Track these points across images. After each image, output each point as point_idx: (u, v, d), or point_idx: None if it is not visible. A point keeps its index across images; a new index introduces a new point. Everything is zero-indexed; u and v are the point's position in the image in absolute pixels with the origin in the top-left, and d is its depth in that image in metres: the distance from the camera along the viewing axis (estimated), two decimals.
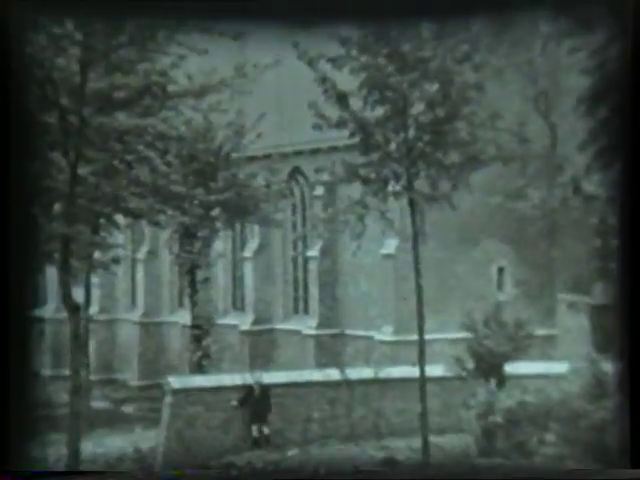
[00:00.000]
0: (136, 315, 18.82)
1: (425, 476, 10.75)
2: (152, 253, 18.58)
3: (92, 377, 13.55)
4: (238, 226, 17.21)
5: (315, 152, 15.77)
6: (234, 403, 12.62)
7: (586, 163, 10.87)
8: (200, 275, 15.58)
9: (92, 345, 15.22)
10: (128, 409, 14.76)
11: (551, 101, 12.01)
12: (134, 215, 14.09)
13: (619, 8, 9.87)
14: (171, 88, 12.98)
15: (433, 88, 12.89)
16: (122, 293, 19.24)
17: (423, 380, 12.04)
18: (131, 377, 17.54)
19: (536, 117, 12.32)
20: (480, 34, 11.86)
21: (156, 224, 14.42)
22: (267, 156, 16.28)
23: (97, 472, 12.05)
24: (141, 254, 18.82)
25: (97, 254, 14.38)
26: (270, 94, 15.10)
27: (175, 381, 13.21)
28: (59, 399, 12.11)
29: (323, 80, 13.22)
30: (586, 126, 10.74)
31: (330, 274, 16.54)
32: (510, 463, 10.45)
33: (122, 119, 12.72)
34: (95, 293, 16.63)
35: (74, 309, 12.59)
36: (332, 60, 13.24)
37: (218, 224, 15.40)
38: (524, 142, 12.18)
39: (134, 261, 18.67)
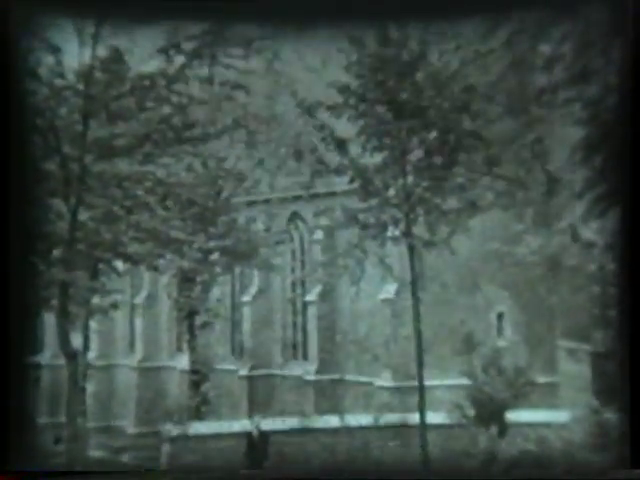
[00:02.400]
0: (134, 360, 18.86)
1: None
2: (151, 298, 18.69)
3: (89, 424, 13.57)
4: (237, 271, 17.39)
5: (314, 197, 16.02)
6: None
7: (583, 210, 11.06)
8: (199, 320, 15.69)
9: (89, 391, 15.24)
10: (125, 458, 14.73)
11: (547, 148, 12.29)
12: (133, 260, 14.27)
13: (615, 60, 10.14)
14: (171, 135, 13.31)
15: (431, 135, 13.22)
16: (120, 338, 19.32)
17: (423, 427, 12.07)
18: (128, 424, 17.54)
19: (533, 164, 12.59)
20: (477, 84, 12.17)
21: (155, 269, 14.58)
22: (266, 201, 16.53)
23: (97, 472, 12.10)
24: (140, 299, 18.92)
25: (95, 299, 14.50)
26: (270, 140, 15.40)
27: (173, 428, 13.21)
28: (55, 448, 12.09)
29: (322, 127, 13.59)
30: (582, 174, 10.96)
31: (329, 319, 16.64)
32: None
33: (122, 166, 13.01)
34: (93, 338, 16.71)
35: (71, 355, 12.66)
36: (331, 108, 13.63)
37: (217, 269, 15.56)
38: (522, 188, 12.42)
39: (133, 306, 18.79)
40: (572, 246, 11.74)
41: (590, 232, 11.39)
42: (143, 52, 11.91)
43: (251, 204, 16.08)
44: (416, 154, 13.27)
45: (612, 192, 10.50)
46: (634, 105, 9.96)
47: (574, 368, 11.76)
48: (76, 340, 13.56)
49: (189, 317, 15.57)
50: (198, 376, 15.93)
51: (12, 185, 11.16)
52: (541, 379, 12.59)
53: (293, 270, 17.14)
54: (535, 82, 11.68)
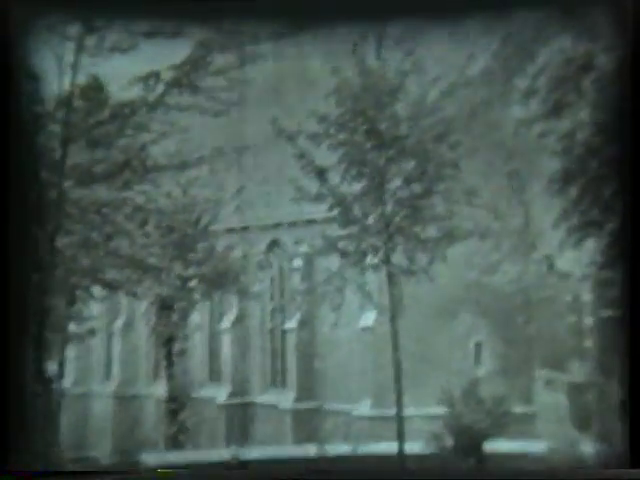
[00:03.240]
0: (111, 388, 18.73)
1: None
2: (128, 325, 18.64)
3: (64, 455, 13.43)
4: (216, 297, 17.39)
5: (294, 224, 16.11)
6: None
7: (559, 240, 11.24)
8: (177, 347, 15.66)
9: (64, 420, 15.11)
10: None
11: (524, 179, 12.51)
12: (111, 287, 14.26)
13: (588, 95, 10.38)
14: (151, 162, 13.38)
15: (410, 165, 13.39)
16: (97, 365, 19.20)
17: (402, 457, 12.06)
18: (104, 454, 17.36)
19: (510, 194, 12.80)
20: (455, 115, 12.40)
21: (133, 295, 14.59)
22: (245, 228, 16.60)
23: (97, 472, 12.08)
24: (117, 326, 18.87)
25: (72, 326, 14.45)
26: (250, 168, 15.53)
27: (149, 458, 13.11)
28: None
29: (302, 156, 13.72)
30: (558, 204, 11.15)
31: (308, 346, 16.66)
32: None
33: (101, 192, 13.04)
34: (69, 366, 16.60)
35: (47, 383, 12.57)
36: (311, 137, 13.78)
37: (196, 295, 15.58)
38: (499, 218, 12.61)
39: (110, 333, 18.72)
40: (548, 276, 11.91)
41: (566, 262, 11.58)
42: (123, 80, 12.02)
43: (230, 231, 16.14)
44: (395, 183, 13.44)
45: (587, 223, 10.70)
46: (608, 140, 10.19)
47: (552, 398, 11.86)
48: (52, 368, 13.48)
49: (167, 344, 15.54)
50: (176, 404, 15.86)
51: None
52: (519, 409, 12.68)
53: (272, 297, 17.18)
54: (511, 115, 11.92)
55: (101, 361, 18.60)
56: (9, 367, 10.41)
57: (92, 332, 14.39)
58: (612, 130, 10.09)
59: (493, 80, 12.25)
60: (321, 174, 13.73)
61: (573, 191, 10.79)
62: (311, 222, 14.88)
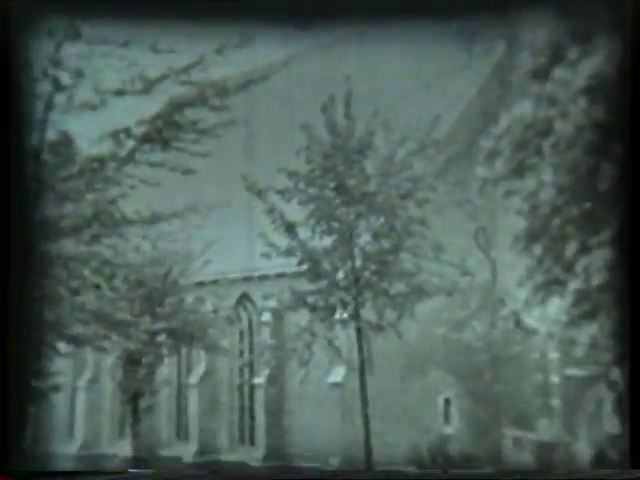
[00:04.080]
0: (74, 448, 18.36)
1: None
2: (94, 380, 18.40)
3: None
4: (184, 352, 17.29)
5: (263, 278, 16.20)
6: None
7: (525, 298, 11.44)
8: (143, 403, 15.47)
9: None
10: None
11: (490, 237, 12.77)
12: (77, 342, 14.13)
13: (550, 157, 10.73)
14: (120, 216, 13.42)
15: (379, 220, 13.64)
16: (59, 423, 18.81)
17: None
18: None
19: (477, 251, 13.05)
20: (422, 173, 12.71)
21: (100, 350, 14.46)
22: (215, 282, 16.64)
23: (97, 472, 12.08)
24: (82, 381, 18.60)
25: (36, 382, 14.22)
26: (220, 223, 15.65)
27: None
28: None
29: (272, 210, 13.90)
30: (524, 262, 11.39)
31: (277, 403, 16.56)
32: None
33: (69, 246, 13.02)
34: (30, 424, 16.25)
35: (4, 442, 12.31)
36: (280, 192, 13.99)
37: (164, 350, 15.49)
38: (466, 274, 12.83)
39: (74, 389, 18.44)
40: (516, 333, 12.08)
41: (532, 320, 11.76)
42: (93, 135, 12.15)
43: (200, 285, 16.17)
44: (364, 238, 13.66)
45: (551, 281, 10.92)
46: (571, 199, 10.48)
47: (520, 457, 11.89)
48: (12, 427, 13.20)
49: (133, 400, 15.35)
50: (141, 464, 15.59)
51: None
52: (488, 469, 12.68)
53: (241, 352, 17.12)
54: (477, 174, 12.24)
55: (64, 419, 18.27)
56: None
57: (56, 388, 14.17)
58: (573, 190, 10.41)
59: (459, 140, 12.61)
60: (291, 229, 13.93)
61: (537, 249, 11.05)
62: (281, 276, 14.97)
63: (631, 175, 9.56)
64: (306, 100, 13.88)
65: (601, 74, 9.26)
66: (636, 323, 10.07)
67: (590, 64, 9.47)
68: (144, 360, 15.40)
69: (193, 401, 16.97)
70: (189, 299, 15.53)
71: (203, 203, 14.30)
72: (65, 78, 10.93)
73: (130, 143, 12.76)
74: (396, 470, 11.79)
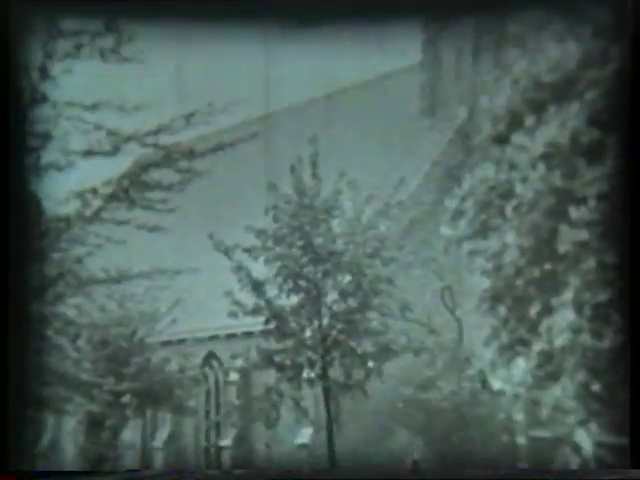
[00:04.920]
0: None
1: None
2: (53, 445, 17.96)
3: None
4: (149, 414, 17.03)
5: (230, 337, 16.15)
6: None
7: (491, 358, 11.55)
8: (106, 468, 15.11)
9: None
10: None
11: (456, 296, 12.95)
12: (38, 404, 13.87)
13: (512, 219, 10.98)
14: (86, 275, 13.37)
15: (346, 279, 13.76)
16: None
17: None
18: None
19: (443, 310, 13.20)
20: (388, 232, 12.91)
21: (62, 413, 14.19)
22: (182, 341, 16.54)
23: (97, 472, 11.95)
24: (41, 446, 18.16)
25: None
26: (187, 281, 15.67)
27: None
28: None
29: (239, 269, 13.96)
30: (488, 322, 11.53)
31: (244, 465, 16.32)
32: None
33: (32, 307, 12.89)
34: None
35: None
36: (248, 250, 14.08)
37: (128, 412, 15.26)
38: (433, 334, 12.95)
39: (32, 455, 17.97)
40: (481, 393, 12.15)
41: (498, 380, 11.84)
42: (59, 195, 12.18)
43: (166, 344, 16.05)
44: (331, 297, 13.74)
45: (515, 342, 11.06)
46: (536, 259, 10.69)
47: None
48: None
49: (96, 465, 15.00)
50: None
51: None
52: None
53: (207, 413, 16.91)
54: (442, 233, 12.46)
55: None
56: None
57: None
58: (535, 251, 10.65)
59: (424, 200, 12.88)
60: (258, 287, 13.98)
61: (502, 310, 11.21)
62: (248, 335, 14.94)
63: (589, 237, 9.83)
64: (274, 160, 14.10)
65: (556, 142, 9.61)
66: (602, 383, 10.20)
67: (546, 131, 9.83)
68: (108, 422, 15.14)
69: (158, 464, 16.65)
70: (155, 359, 15.39)
71: (170, 262, 14.32)
72: (33, 140, 11.01)
73: (96, 202, 12.84)
74: None
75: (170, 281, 14.22)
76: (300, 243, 13.69)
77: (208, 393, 16.77)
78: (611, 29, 8.90)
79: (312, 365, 13.49)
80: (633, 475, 9.52)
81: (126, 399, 14.99)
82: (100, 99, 11.32)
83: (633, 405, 9.59)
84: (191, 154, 12.72)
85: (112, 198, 12.77)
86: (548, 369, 10.18)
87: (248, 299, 13.65)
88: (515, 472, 10.53)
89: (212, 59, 12.88)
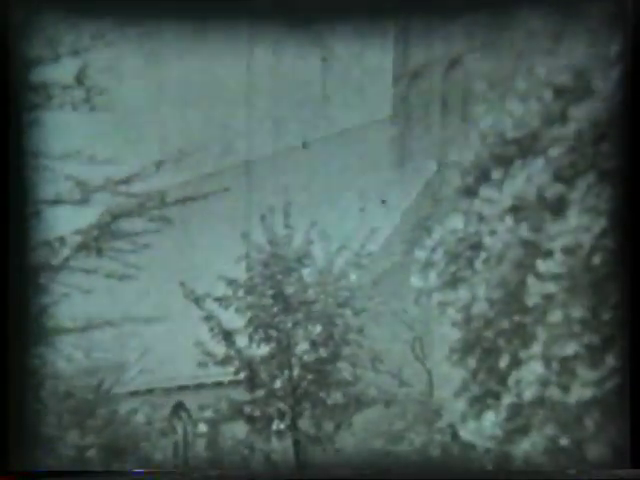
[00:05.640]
0: None
1: None
2: None
3: None
4: (115, 468, 16.66)
5: (200, 387, 15.98)
6: None
7: (461, 410, 11.52)
8: None
9: None
10: None
11: (426, 347, 13.01)
12: None
13: (482, 271, 11.08)
14: (50, 325, 13.20)
15: (316, 329, 13.78)
16: None
17: None
18: None
19: (414, 361, 13.23)
20: (359, 283, 13.03)
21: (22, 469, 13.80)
22: (150, 391, 16.31)
23: (97, 472, 12.02)
24: None
25: None
26: (156, 330, 15.53)
27: None
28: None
29: (209, 318, 13.93)
30: (459, 374, 11.53)
31: None
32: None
33: None
34: None
35: None
36: (219, 300, 14.08)
37: (93, 467, 14.90)
38: (403, 385, 12.93)
39: None
40: (452, 446, 12.08)
41: (468, 433, 11.80)
42: (25, 245, 12.08)
43: (134, 394, 15.81)
44: (302, 347, 13.73)
45: (485, 394, 11.07)
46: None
47: None
48: None
49: None
50: None
51: None
52: None
53: (175, 467, 16.59)
54: (412, 284, 12.53)
55: None
56: None
57: None
58: (504, 303, 10.74)
59: (394, 251, 13.02)
60: (228, 337, 13.95)
61: (471, 361, 11.23)
62: (218, 385, 14.79)
63: (556, 290, 9.95)
64: (246, 209, 14.18)
65: (523, 196, 9.80)
66: (571, 438, 10.21)
67: (513, 185, 10.02)
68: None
69: None
70: (122, 410, 15.13)
71: (139, 310, 14.21)
72: None
73: (65, 251, 12.76)
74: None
75: (139, 329, 14.08)
76: (271, 292, 13.74)
77: (176, 445, 16.49)
78: (570, 91, 9.21)
79: (282, 417, 13.38)
80: (633, 475, 9.49)
81: (91, 453, 14.67)
82: (70, 149, 11.37)
83: (633, 405, 9.57)
84: (162, 202, 12.75)
85: (81, 247, 12.70)
86: (518, 422, 10.19)
87: (218, 349, 13.60)
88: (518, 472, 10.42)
89: (186, 106, 13.03)
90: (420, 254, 12.32)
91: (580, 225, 8.96)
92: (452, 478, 11.27)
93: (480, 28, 10.40)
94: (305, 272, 13.44)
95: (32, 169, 10.93)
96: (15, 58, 10.12)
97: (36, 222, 11.67)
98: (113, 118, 11.57)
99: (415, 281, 12.35)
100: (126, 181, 12.13)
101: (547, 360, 9.85)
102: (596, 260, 8.96)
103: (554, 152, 9.56)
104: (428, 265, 12.03)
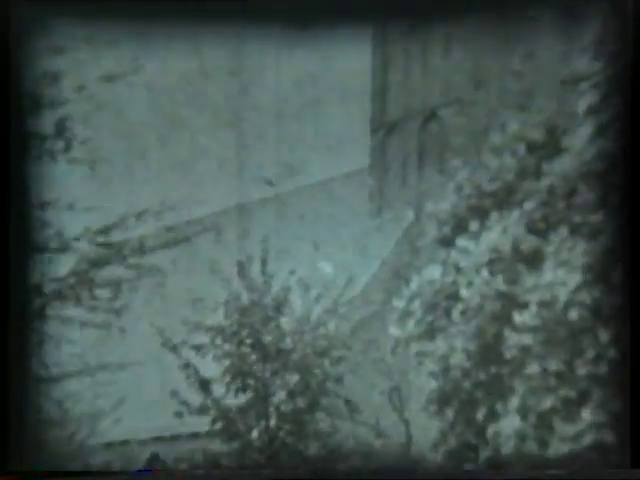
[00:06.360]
0: None
1: None
2: None
3: None
4: None
5: (175, 438, 15.70)
6: None
7: (439, 463, 11.41)
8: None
9: None
10: None
11: (404, 398, 12.93)
12: None
13: (459, 322, 11.10)
14: (25, 373, 12.95)
15: (294, 378, 13.65)
16: None
17: None
18: None
19: (391, 412, 13.12)
20: (337, 331, 12.96)
21: None
22: (125, 442, 16.00)
23: (98, 472, 12.07)
24: None
25: None
26: (131, 379, 15.33)
27: None
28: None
29: (186, 367, 13.76)
30: (436, 425, 11.46)
31: None
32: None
33: None
34: None
35: None
36: (196, 347, 13.93)
37: None
38: (380, 437, 12.80)
39: None
40: None
41: None
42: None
43: (109, 446, 15.48)
44: (279, 396, 13.57)
45: (464, 447, 11.00)
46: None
47: None
48: None
49: None
50: None
51: None
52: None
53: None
54: (390, 333, 12.52)
55: None
56: None
57: None
58: (481, 355, 10.74)
59: (372, 300, 13.04)
60: (205, 386, 13.77)
61: (449, 413, 11.18)
62: (194, 436, 14.55)
63: (533, 343, 9.99)
64: (225, 257, 14.16)
65: (499, 248, 9.90)
66: None
67: (489, 237, 10.13)
68: None
69: None
70: (96, 462, 14.78)
71: (114, 358, 14.02)
72: None
73: (40, 300, 12.61)
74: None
75: (114, 378, 13.87)
76: (249, 341, 13.63)
77: None
78: (542, 146, 9.41)
79: (259, 469, 13.15)
80: (633, 475, 9.39)
81: None
82: (48, 198, 11.35)
83: (633, 405, 9.49)
84: (141, 250, 12.69)
85: (57, 296, 12.57)
86: (496, 478, 10.12)
87: (194, 398, 13.41)
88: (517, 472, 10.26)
89: (163, 159, 13.11)
90: (398, 303, 12.35)
91: (555, 279, 9.06)
92: (452, 478, 11.13)
93: (455, 84, 10.64)
94: (283, 320, 13.38)
95: (11, 217, 10.87)
96: None
97: (13, 270, 11.55)
98: (93, 168, 11.59)
99: (393, 330, 12.36)
100: (105, 230, 12.08)
101: (524, 414, 9.84)
102: (572, 314, 9.03)
103: (529, 205, 9.70)
104: (406, 315, 12.06)
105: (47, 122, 10.46)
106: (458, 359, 10.81)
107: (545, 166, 9.23)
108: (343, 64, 12.11)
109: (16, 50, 9.99)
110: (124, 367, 14.21)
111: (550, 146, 9.29)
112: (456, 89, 10.73)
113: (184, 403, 13.39)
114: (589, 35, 8.98)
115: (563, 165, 9.00)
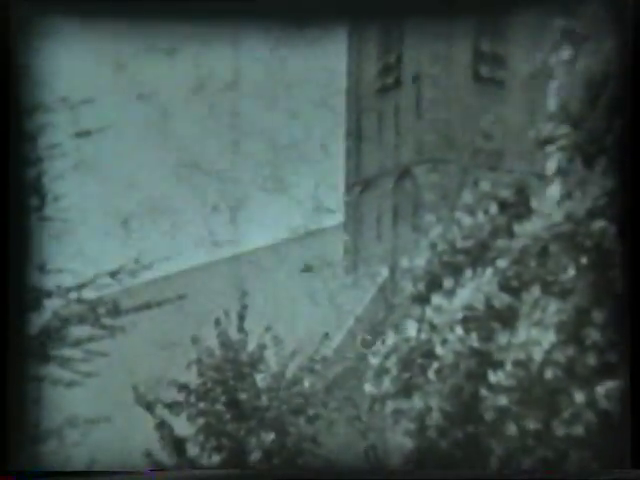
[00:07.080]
0: None
1: None
2: None
3: None
4: None
5: None
6: None
7: None
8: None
9: None
10: None
11: (381, 457, 12.71)
12: None
13: (434, 384, 10.92)
14: None
15: (269, 437, 13.36)
16: None
17: None
18: None
19: (368, 471, 12.88)
20: (312, 389, 12.76)
21: None
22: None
23: (98, 472, 11.82)
24: None
25: None
26: (101, 437, 14.92)
27: None
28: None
29: (160, 425, 13.42)
30: None
31: None
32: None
33: None
34: None
35: None
36: (169, 406, 13.62)
37: None
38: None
39: None
40: None
41: None
42: None
43: None
44: (255, 456, 13.27)
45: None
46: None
47: None
48: None
49: None
50: None
51: None
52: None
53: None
54: (366, 391, 12.31)
55: None
56: None
57: None
58: (457, 414, 10.60)
59: (347, 357, 12.91)
60: (179, 445, 13.42)
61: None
62: None
63: (508, 403, 9.87)
64: (198, 314, 13.99)
65: (472, 305, 9.86)
66: None
67: (463, 294, 10.10)
68: None
69: None
70: None
71: (85, 415, 13.66)
72: None
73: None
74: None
75: (85, 439, 13.48)
76: (224, 399, 13.37)
77: None
78: (512, 205, 9.49)
79: None
80: (633, 475, 9.14)
81: None
82: (21, 254, 11.15)
83: (633, 405, 9.29)
84: (115, 309, 12.48)
85: (42, 332, 12.26)
86: None
87: (168, 459, 13.06)
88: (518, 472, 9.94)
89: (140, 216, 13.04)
90: (374, 360, 12.19)
91: (529, 338, 9.01)
92: (451, 478, 10.82)
93: (427, 143, 10.75)
94: (258, 377, 13.16)
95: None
96: None
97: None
98: (66, 226, 11.46)
99: (369, 388, 12.16)
100: (78, 288, 11.88)
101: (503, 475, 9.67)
102: (548, 374, 8.96)
103: (502, 263, 9.71)
104: (382, 372, 11.89)
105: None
106: (434, 419, 10.66)
107: (516, 225, 9.26)
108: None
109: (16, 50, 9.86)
110: (95, 425, 13.83)
111: (520, 205, 9.35)
112: (428, 148, 10.83)
113: (158, 464, 12.95)
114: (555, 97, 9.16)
115: (532, 225, 9.04)
